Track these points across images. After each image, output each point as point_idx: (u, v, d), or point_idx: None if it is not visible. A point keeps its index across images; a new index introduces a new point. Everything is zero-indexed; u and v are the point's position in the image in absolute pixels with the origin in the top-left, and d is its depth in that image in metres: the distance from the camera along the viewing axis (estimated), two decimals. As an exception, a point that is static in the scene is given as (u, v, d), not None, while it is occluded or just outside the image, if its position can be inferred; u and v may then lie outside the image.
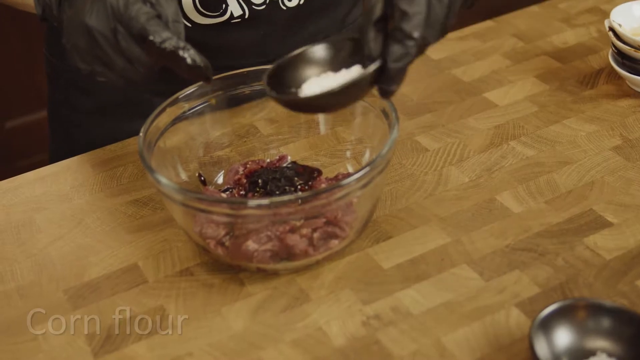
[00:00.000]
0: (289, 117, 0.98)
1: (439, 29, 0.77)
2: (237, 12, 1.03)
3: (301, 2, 1.07)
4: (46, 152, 1.24)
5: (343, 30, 1.15)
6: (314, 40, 0.95)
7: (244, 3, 1.03)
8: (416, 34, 0.74)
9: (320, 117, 0.97)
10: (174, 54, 0.77)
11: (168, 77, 0.85)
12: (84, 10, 0.79)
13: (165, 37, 0.77)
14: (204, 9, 1.02)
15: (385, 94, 0.77)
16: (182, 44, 0.77)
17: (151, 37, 0.77)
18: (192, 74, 0.79)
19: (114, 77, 0.82)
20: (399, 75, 0.76)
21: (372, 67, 0.75)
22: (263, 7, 1.04)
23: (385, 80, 0.76)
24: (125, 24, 0.78)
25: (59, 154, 1.08)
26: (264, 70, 0.90)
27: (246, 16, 1.04)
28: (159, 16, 0.79)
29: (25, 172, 1.01)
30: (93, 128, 1.14)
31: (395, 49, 0.74)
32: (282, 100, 0.79)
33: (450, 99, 1.08)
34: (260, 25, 1.06)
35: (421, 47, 0.76)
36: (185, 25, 0.92)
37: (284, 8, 1.05)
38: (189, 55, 0.77)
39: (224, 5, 1.02)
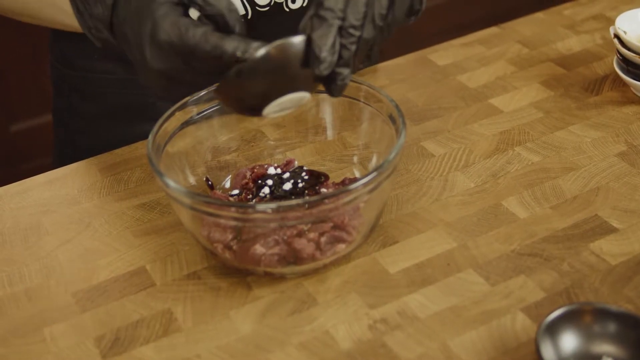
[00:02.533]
0: (296, 122, 0.99)
1: (364, 11, 0.77)
2: (240, 11, 1.03)
3: (304, 4, 1.07)
4: (51, 155, 1.25)
5: None
6: None
7: (248, 3, 1.03)
8: (332, 4, 0.75)
9: (327, 122, 0.98)
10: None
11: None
12: (144, 55, 0.78)
13: (233, 48, 0.75)
14: None
15: (322, 79, 0.77)
16: (252, 45, 0.75)
17: (227, 50, 0.75)
18: None
19: (199, 87, 0.85)
20: (326, 50, 0.75)
21: (296, 38, 0.75)
22: (267, 8, 1.04)
23: (313, 57, 0.75)
24: (189, 56, 0.77)
25: (64, 159, 1.08)
26: None
27: (249, 17, 1.04)
28: (211, 18, 0.78)
29: (30, 175, 1.01)
30: (98, 134, 1.15)
31: (315, 22, 0.75)
32: (218, 92, 0.78)
33: (455, 104, 1.09)
34: (263, 27, 1.06)
35: (346, 27, 0.76)
36: None
37: (287, 10, 1.06)
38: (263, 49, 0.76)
39: None
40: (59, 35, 1.13)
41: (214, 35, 0.76)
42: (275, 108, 0.79)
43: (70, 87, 1.14)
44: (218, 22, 0.79)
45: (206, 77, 0.79)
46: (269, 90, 0.78)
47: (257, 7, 1.04)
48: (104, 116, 1.13)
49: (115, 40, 0.85)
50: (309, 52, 0.75)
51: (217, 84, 0.78)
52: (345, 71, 0.77)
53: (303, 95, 0.79)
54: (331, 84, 0.78)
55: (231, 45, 0.75)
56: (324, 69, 0.76)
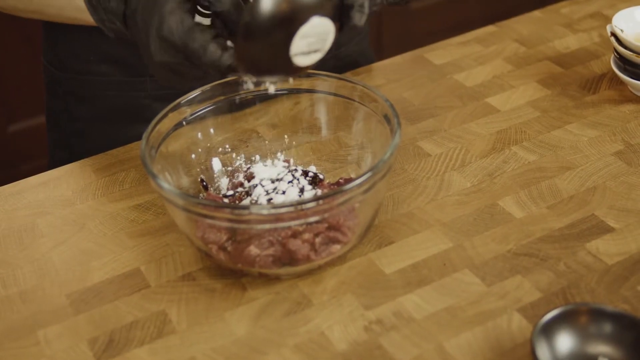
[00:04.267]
0: (291, 122, 0.98)
1: None
2: None
3: None
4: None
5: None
6: None
7: (243, 3, 1.02)
8: None
9: (323, 122, 0.98)
10: None
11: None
12: (149, 50, 0.81)
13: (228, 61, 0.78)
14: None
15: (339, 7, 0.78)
16: None
17: (224, 63, 0.78)
18: None
19: (205, 81, 0.88)
20: None
21: None
22: None
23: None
24: (190, 56, 0.80)
25: (59, 162, 1.08)
26: None
27: None
28: (219, 14, 0.81)
29: (28, 176, 1.01)
30: (92, 135, 1.14)
31: None
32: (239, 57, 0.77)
33: (452, 104, 1.09)
34: None
35: None
36: None
37: None
38: None
39: None
40: (52, 38, 1.12)
41: (212, 46, 0.78)
42: (302, 46, 0.76)
43: (64, 90, 1.14)
44: (225, 19, 0.81)
45: (204, 67, 0.81)
46: (290, 19, 0.75)
47: None
48: (99, 118, 1.13)
49: (127, 30, 0.90)
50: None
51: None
52: None
53: (327, 26, 0.77)
54: (350, 11, 0.79)
55: (228, 59, 0.78)
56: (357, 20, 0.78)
